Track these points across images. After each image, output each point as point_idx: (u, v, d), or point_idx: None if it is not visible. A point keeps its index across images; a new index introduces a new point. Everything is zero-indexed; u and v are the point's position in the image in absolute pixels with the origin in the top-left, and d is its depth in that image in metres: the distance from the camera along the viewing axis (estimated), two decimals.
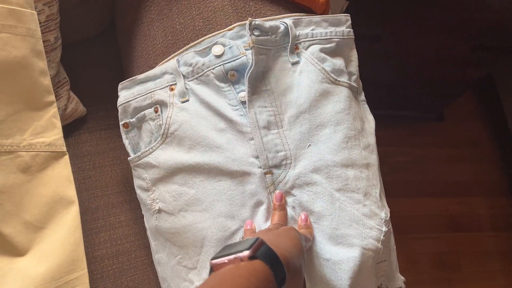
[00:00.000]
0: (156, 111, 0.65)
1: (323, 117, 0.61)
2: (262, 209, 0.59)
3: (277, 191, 0.59)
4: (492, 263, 1.44)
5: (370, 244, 0.57)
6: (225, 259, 0.40)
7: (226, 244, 0.46)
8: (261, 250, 0.41)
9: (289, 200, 0.59)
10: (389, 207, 1.51)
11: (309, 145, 0.60)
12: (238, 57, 0.62)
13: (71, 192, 0.68)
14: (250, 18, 0.60)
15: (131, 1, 0.75)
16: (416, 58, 1.17)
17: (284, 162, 0.60)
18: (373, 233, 0.58)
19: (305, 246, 0.51)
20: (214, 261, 0.41)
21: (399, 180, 1.50)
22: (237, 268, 0.39)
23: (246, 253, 0.39)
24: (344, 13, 0.98)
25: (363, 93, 0.73)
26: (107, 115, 0.82)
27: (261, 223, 0.59)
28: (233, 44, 0.62)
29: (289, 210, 0.59)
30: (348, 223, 0.57)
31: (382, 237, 0.59)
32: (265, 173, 0.59)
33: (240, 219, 0.59)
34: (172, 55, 0.66)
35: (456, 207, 1.50)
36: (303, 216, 0.58)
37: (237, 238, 0.58)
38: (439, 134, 1.57)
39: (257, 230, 0.58)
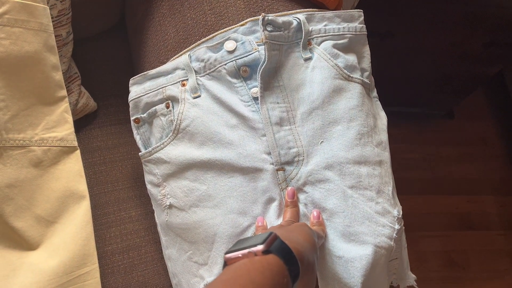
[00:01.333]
0: (167, 107, 0.65)
1: (336, 114, 0.61)
2: (274, 205, 0.59)
3: (289, 188, 0.58)
4: (501, 262, 1.43)
5: (382, 242, 0.57)
6: (239, 253, 0.40)
7: (239, 239, 0.46)
8: (275, 245, 0.40)
9: (301, 197, 0.59)
10: None
11: (322, 141, 0.60)
12: (250, 53, 0.61)
13: (82, 186, 0.69)
14: (263, 14, 0.59)
15: None
16: (427, 55, 1.16)
17: (296, 159, 0.59)
18: (386, 231, 0.57)
19: (317, 242, 0.51)
20: (228, 255, 0.41)
21: (409, 177, 1.49)
22: (252, 262, 0.38)
23: (260, 247, 0.39)
24: (355, 8, 0.97)
25: (375, 90, 0.72)
26: (118, 110, 0.82)
27: (273, 219, 0.58)
28: (245, 40, 0.62)
29: (301, 207, 0.58)
30: (361, 220, 0.57)
31: (394, 235, 0.58)
32: (277, 170, 0.59)
33: (252, 216, 0.58)
34: (184, 51, 0.66)
35: (466, 205, 1.49)
36: (315, 213, 0.57)
37: (249, 234, 0.58)
38: (449, 131, 1.56)
39: (268, 227, 0.57)
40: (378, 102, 0.72)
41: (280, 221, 0.58)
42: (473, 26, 1.05)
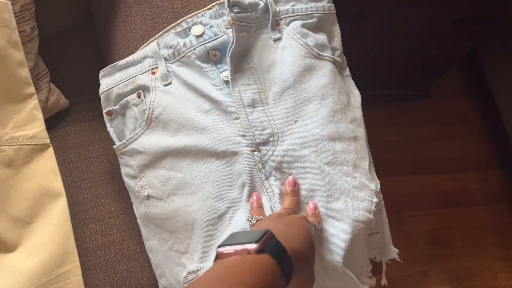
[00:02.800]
0: (139, 96, 0.64)
1: (308, 92, 0.60)
2: (250, 189, 0.58)
3: (290, 177, 0.58)
4: (486, 236, 1.46)
5: (361, 216, 0.57)
6: (231, 249, 0.39)
7: (233, 232, 0.45)
8: (269, 244, 0.39)
9: (279, 176, 0.59)
10: (382, 187, 1.51)
11: (296, 120, 0.60)
12: (219, 36, 0.61)
13: (58, 184, 0.67)
14: None
15: None
16: (399, 36, 1.17)
17: (271, 139, 0.59)
18: (364, 205, 0.58)
19: (314, 235, 0.51)
20: (220, 249, 0.39)
21: (391, 159, 1.50)
22: (244, 261, 0.37)
23: (254, 246, 0.38)
24: None
25: (347, 68, 0.72)
26: (91, 106, 0.81)
27: (246, 203, 0.58)
28: (213, 23, 0.61)
29: (279, 186, 0.58)
30: (338, 196, 0.57)
31: (373, 207, 0.59)
32: (253, 151, 0.59)
33: (229, 200, 0.58)
34: (152, 39, 0.65)
35: (448, 183, 1.51)
36: (311, 205, 0.57)
37: (226, 219, 0.58)
38: (427, 111, 1.58)
39: (243, 208, 0.57)
40: (351, 81, 0.72)
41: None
42: (442, 4, 1.06)
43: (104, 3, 0.76)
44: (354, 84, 0.72)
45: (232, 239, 0.41)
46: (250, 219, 0.56)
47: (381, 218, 0.66)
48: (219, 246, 0.40)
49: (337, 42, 0.70)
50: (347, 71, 0.72)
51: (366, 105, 1.48)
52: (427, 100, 1.57)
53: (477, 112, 1.59)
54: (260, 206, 0.57)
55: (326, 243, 0.56)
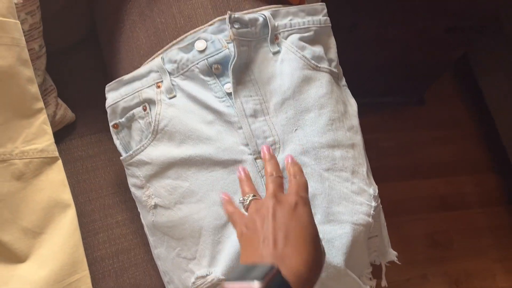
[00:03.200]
0: (144, 109, 0.66)
1: (307, 102, 0.63)
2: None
3: (264, 146, 0.57)
4: (483, 239, 1.48)
5: (360, 219, 0.60)
6: (236, 286, 0.39)
7: (241, 265, 0.44)
8: (274, 283, 0.40)
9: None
10: (379, 192, 1.53)
11: (296, 129, 0.62)
12: (220, 51, 0.64)
13: (67, 195, 0.69)
14: (229, 12, 0.62)
15: (112, 5, 0.77)
16: (392, 44, 1.20)
17: (273, 147, 0.62)
18: (363, 209, 0.60)
19: (323, 246, 0.49)
20: (227, 284, 0.40)
21: (387, 165, 1.53)
22: None
23: (258, 285, 0.38)
24: (320, 2, 1.01)
25: (343, 78, 0.76)
26: (97, 119, 0.83)
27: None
28: (215, 39, 0.64)
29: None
30: (338, 201, 0.60)
31: (372, 211, 0.61)
32: (256, 159, 0.61)
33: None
34: (156, 54, 0.68)
35: (444, 187, 1.54)
36: (289, 159, 0.55)
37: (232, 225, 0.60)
38: (422, 117, 1.61)
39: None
40: (348, 90, 0.75)
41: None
42: (434, 13, 1.10)
43: (108, 20, 0.79)
44: (350, 94, 0.75)
45: (239, 272, 0.41)
46: (242, 200, 0.54)
47: (380, 222, 0.68)
48: (227, 279, 0.41)
49: (333, 53, 0.73)
50: (343, 81, 0.75)
51: (361, 112, 1.51)
52: (421, 106, 1.60)
53: (471, 116, 1.63)
54: (249, 178, 0.56)
55: (328, 245, 0.58)
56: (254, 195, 0.53)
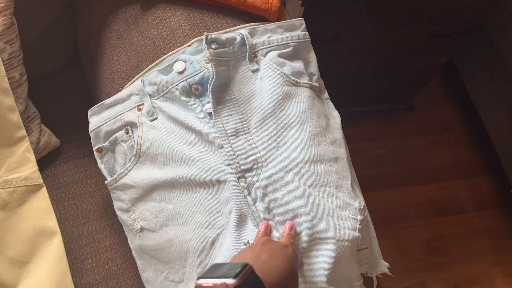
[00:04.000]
0: (127, 133, 0.66)
1: (288, 118, 0.63)
2: (238, 214, 0.61)
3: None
4: (479, 242, 1.48)
5: (345, 235, 0.60)
6: (211, 283, 0.40)
7: (215, 263, 0.46)
8: (248, 280, 0.41)
9: (264, 201, 0.61)
10: (373, 201, 1.52)
11: (278, 146, 0.62)
12: (199, 71, 0.64)
13: (52, 223, 0.69)
14: (205, 33, 0.62)
15: (92, 30, 0.77)
16: (377, 53, 1.21)
17: (255, 165, 0.62)
18: (348, 223, 0.60)
19: (298, 266, 0.52)
20: (200, 281, 0.41)
21: (380, 173, 1.53)
22: None
23: (233, 281, 0.40)
24: (301, 17, 1.02)
25: (326, 92, 0.76)
26: (82, 143, 0.83)
27: (233, 229, 0.60)
28: (193, 59, 0.64)
29: (264, 211, 0.60)
30: (323, 217, 0.59)
31: (358, 225, 0.61)
32: (239, 178, 0.61)
33: (218, 227, 0.60)
34: (137, 77, 0.68)
35: (438, 192, 1.53)
36: (287, 226, 0.58)
37: (217, 246, 0.60)
38: (412, 123, 1.61)
39: (230, 234, 0.59)
40: (330, 103, 0.75)
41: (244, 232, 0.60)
42: (416, 21, 1.11)
43: (89, 45, 0.79)
44: (333, 106, 0.75)
45: (213, 271, 0.42)
46: (246, 243, 0.57)
47: (369, 234, 0.68)
48: (199, 278, 0.42)
49: (314, 67, 0.73)
50: (326, 94, 0.75)
51: (351, 121, 1.51)
52: (411, 112, 1.60)
53: (461, 120, 1.63)
54: (267, 235, 0.58)
55: (310, 263, 0.58)
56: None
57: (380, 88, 1.42)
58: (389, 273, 0.70)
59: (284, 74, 0.66)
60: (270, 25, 0.70)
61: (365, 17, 1.07)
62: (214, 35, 0.63)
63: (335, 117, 0.72)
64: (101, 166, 0.69)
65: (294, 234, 0.58)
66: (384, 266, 0.70)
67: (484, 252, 1.46)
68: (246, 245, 0.57)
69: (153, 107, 0.65)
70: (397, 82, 1.39)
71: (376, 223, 1.45)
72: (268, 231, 0.58)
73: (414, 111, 1.60)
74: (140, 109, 0.66)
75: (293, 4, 1.02)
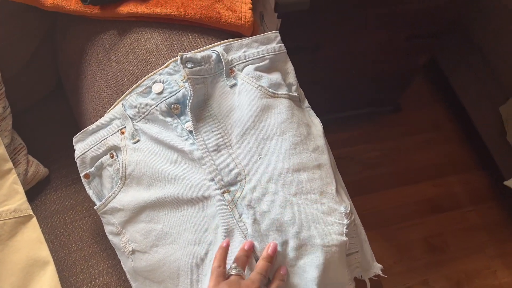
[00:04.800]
0: (112, 157, 0.67)
1: (268, 130, 0.64)
2: (225, 229, 0.61)
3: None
4: (478, 237, 1.48)
5: (332, 240, 0.60)
6: None
7: None
8: None
9: (250, 212, 0.61)
10: (368, 203, 1.52)
11: (260, 158, 0.63)
12: (178, 91, 0.65)
13: (44, 252, 0.69)
14: (180, 53, 0.63)
15: (72, 59, 0.79)
16: (357, 59, 1.23)
17: (239, 179, 0.62)
18: (335, 228, 0.61)
19: None
20: None
21: (373, 175, 1.54)
22: None
23: None
24: (279, 29, 1.03)
25: (306, 100, 0.77)
26: (70, 171, 0.84)
27: (220, 243, 0.60)
28: (171, 80, 0.66)
29: (251, 223, 0.61)
30: (309, 224, 0.60)
31: (344, 230, 0.61)
32: (223, 193, 0.62)
33: (207, 243, 0.61)
34: (117, 101, 0.69)
35: (433, 189, 1.54)
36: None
37: (207, 262, 0.60)
38: (402, 124, 1.63)
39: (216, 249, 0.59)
40: (312, 111, 0.76)
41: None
42: (392, 25, 1.13)
43: (71, 73, 0.80)
44: (315, 114, 0.76)
45: None
46: (232, 266, 0.56)
47: (359, 237, 0.68)
48: None
49: (292, 78, 0.75)
50: (306, 103, 0.76)
51: (341, 127, 1.52)
52: (398, 113, 1.62)
53: (450, 117, 1.65)
54: (248, 255, 0.58)
55: (300, 271, 0.58)
56: (240, 270, 0.57)
57: (365, 92, 1.44)
58: (383, 275, 0.71)
59: (262, 87, 0.67)
60: (245, 40, 0.71)
61: (342, 24, 1.09)
62: (189, 54, 0.64)
63: (317, 125, 0.73)
64: (90, 191, 0.70)
65: (275, 257, 0.58)
66: (377, 268, 0.70)
67: (483, 245, 1.46)
68: (229, 268, 0.57)
69: (135, 129, 0.66)
70: (381, 84, 1.41)
71: (374, 225, 1.47)
72: (250, 251, 0.59)
73: (401, 112, 1.62)
74: (123, 133, 0.67)
75: (271, 17, 1.04)
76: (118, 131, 0.67)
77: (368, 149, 1.57)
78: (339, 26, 1.09)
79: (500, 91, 1.31)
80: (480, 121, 1.49)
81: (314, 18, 1.04)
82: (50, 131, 0.88)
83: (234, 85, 0.67)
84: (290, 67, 0.75)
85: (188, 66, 0.64)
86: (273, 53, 0.72)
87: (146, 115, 0.66)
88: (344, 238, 0.61)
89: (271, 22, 1.05)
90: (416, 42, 1.21)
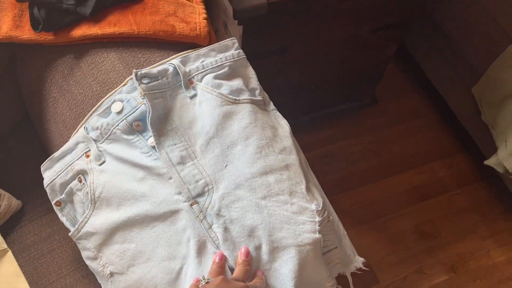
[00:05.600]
0: (80, 181, 0.67)
1: (232, 136, 0.64)
2: (196, 241, 0.61)
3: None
4: (467, 219, 1.48)
5: (306, 239, 0.60)
6: None
7: None
8: None
9: (220, 221, 0.61)
10: (355, 198, 1.52)
11: (226, 165, 0.63)
12: (137, 108, 0.65)
13: (23, 285, 0.69)
14: (134, 70, 0.64)
15: (33, 87, 0.78)
16: (326, 56, 1.24)
17: (206, 189, 0.62)
18: (307, 227, 0.60)
19: None
20: None
21: (358, 170, 1.54)
22: None
23: None
24: (242, 35, 1.04)
25: (271, 103, 0.77)
26: (44, 200, 0.82)
27: (193, 257, 0.60)
28: (129, 97, 0.66)
29: (222, 232, 0.60)
30: (280, 225, 0.60)
31: (317, 227, 0.61)
32: (191, 205, 0.62)
33: (180, 257, 0.60)
34: (80, 125, 0.69)
35: (418, 177, 1.55)
36: (243, 250, 0.58)
37: (183, 276, 0.60)
38: (380, 116, 1.64)
39: (192, 262, 0.59)
40: (278, 113, 0.76)
41: (204, 259, 0.60)
42: (354, 19, 1.14)
43: (34, 101, 0.80)
44: (281, 116, 0.76)
45: None
46: (202, 278, 0.56)
47: (337, 234, 0.68)
48: None
49: (254, 82, 0.75)
50: (272, 106, 0.76)
51: (320, 126, 1.52)
52: (376, 105, 1.63)
53: (427, 104, 1.66)
54: (221, 266, 0.58)
55: (276, 273, 0.58)
56: (209, 278, 0.55)
57: (339, 89, 1.44)
58: (365, 268, 0.71)
59: (222, 94, 0.67)
60: (202, 50, 0.72)
61: (304, 24, 1.10)
62: (144, 70, 0.64)
63: (283, 126, 0.73)
64: (63, 219, 0.69)
65: (250, 260, 0.58)
66: (358, 262, 0.70)
67: (474, 227, 1.47)
68: (202, 281, 0.56)
69: (100, 151, 0.66)
70: (354, 79, 1.42)
71: (364, 219, 1.46)
72: (222, 262, 0.58)
73: (379, 104, 1.63)
74: (88, 156, 0.66)
75: (233, 24, 1.04)
76: (83, 154, 0.67)
77: (350, 145, 1.58)
78: (302, 26, 1.10)
79: (470, 73, 1.33)
80: (455, 104, 1.51)
81: (276, 21, 1.05)
82: (20, 163, 0.87)
83: (194, 95, 0.67)
84: (251, 72, 0.75)
85: (144, 82, 0.64)
86: (232, 60, 0.72)
87: (109, 135, 0.65)
88: (317, 235, 0.60)
89: (234, 29, 1.05)
90: (381, 34, 1.22)
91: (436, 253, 1.41)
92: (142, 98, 0.65)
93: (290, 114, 1.51)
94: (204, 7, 0.79)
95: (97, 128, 0.66)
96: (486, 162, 1.26)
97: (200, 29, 0.73)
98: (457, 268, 1.39)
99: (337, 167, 1.53)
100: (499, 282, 1.38)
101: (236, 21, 0.99)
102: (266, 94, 0.77)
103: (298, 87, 1.33)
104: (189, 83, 0.68)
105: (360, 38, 1.21)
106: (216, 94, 0.67)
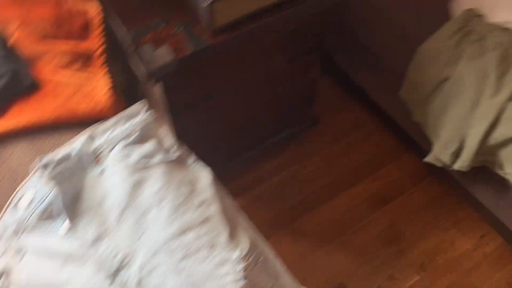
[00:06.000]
0: (6, 279, 0.66)
1: (144, 204, 0.65)
2: None
3: None
4: (428, 214, 1.52)
5: None
6: None
7: None
8: None
9: None
10: (316, 219, 1.52)
11: (142, 233, 0.64)
12: (46, 195, 0.65)
13: None
14: (37, 159, 0.64)
15: None
16: (253, 93, 1.28)
17: (124, 262, 0.62)
18: (230, 277, 0.61)
19: None
20: None
21: (315, 189, 1.57)
22: None
23: None
24: (165, 91, 1.06)
25: (190, 156, 0.78)
26: None
27: None
28: (38, 186, 0.66)
29: None
30: (202, 283, 0.60)
31: (242, 274, 0.62)
32: (111, 283, 0.61)
33: None
34: None
35: (373, 185, 1.58)
36: None
37: None
38: (324, 133, 1.68)
39: None
40: (198, 166, 0.77)
41: None
42: (270, 54, 1.19)
43: None
44: (202, 167, 0.78)
45: None
46: None
47: (273, 271, 0.69)
48: None
49: (169, 141, 0.76)
50: (191, 159, 0.78)
51: (267, 157, 1.53)
52: (318, 124, 1.68)
53: (366, 112, 1.72)
54: None
55: None
56: None
57: (276, 118, 1.48)
58: None
59: (131, 163, 0.68)
60: (110, 122, 0.73)
61: (221, 70, 1.13)
62: (46, 158, 0.65)
63: (203, 177, 0.75)
64: None
65: None
66: None
67: (435, 221, 1.50)
68: None
69: (18, 246, 0.65)
70: (287, 107, 1.46)
71: (331, 237, 1.48)
72: None
73: (320, 122, 1.67)
74: (8, 253, 0.66)
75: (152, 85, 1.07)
76: (3, 253, 0.66)
77: (301, 168, 1.61)
78: (217, 73, 1.14)
79: (396, 78, 1.39)
80: (390, 109, 1.57)
81: (191, 73, 1.08)
82: None
83: (103, 171, 0.68)
84: (164, 131, 0.77)
85: (50, 168, 0.65)
86: (142, 123, 0.74)
87: (23, 230, 0.65)
88: (241, 283, 0.61)
89: (156, 85, 1.07)
90: (299, 62, 1.28)
91: (404, 256, 1.43)
92: (50, 185, 0.65)
93: (234, 153, 1.54)
94: (108, 74, 0.80)
95: (11, 224, 0.66)
96: (426, 160, 1.31)
97: (103, 103, 0.75)
98: (426, 266, 1.41)
99: (292, 192, 1.56)
100: (469, 270, 1.41)
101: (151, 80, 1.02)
102: (184, 149, 0.78)
103: (235, 126, 1.36)
104: (96, 160, 0.69)
105: (280, 70, 1.25)
106: (125, 164, 0.68)
